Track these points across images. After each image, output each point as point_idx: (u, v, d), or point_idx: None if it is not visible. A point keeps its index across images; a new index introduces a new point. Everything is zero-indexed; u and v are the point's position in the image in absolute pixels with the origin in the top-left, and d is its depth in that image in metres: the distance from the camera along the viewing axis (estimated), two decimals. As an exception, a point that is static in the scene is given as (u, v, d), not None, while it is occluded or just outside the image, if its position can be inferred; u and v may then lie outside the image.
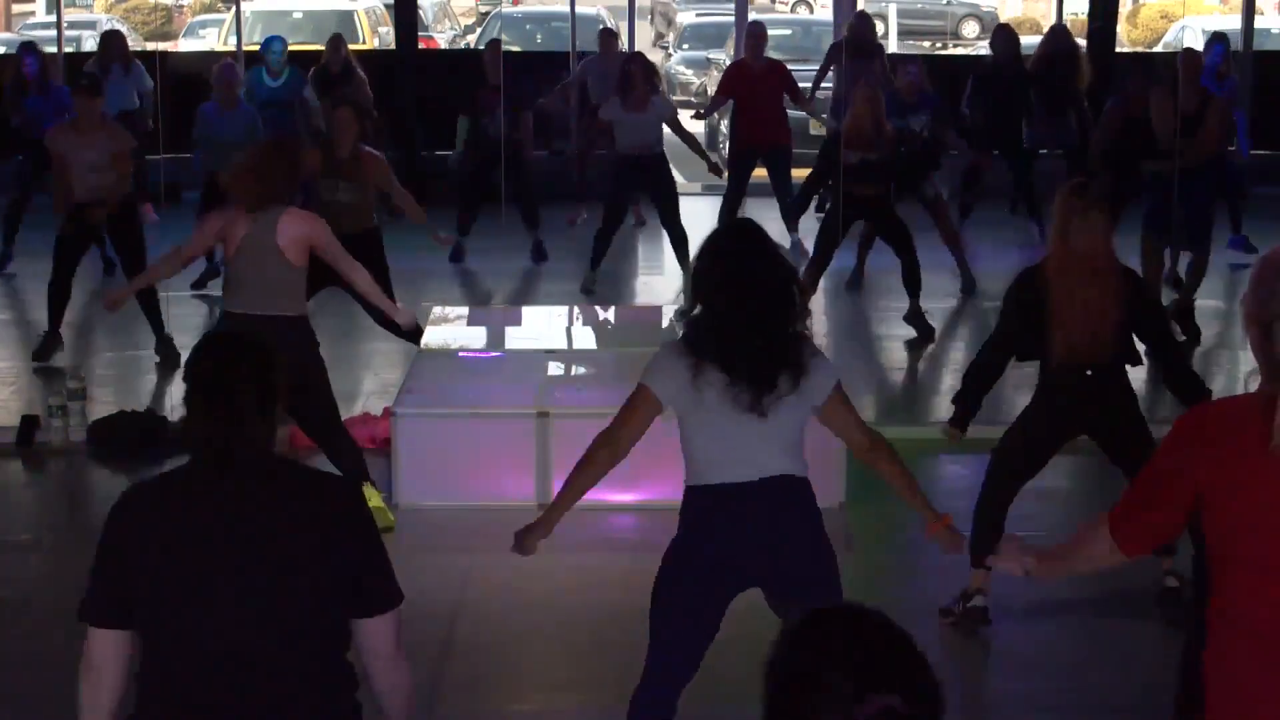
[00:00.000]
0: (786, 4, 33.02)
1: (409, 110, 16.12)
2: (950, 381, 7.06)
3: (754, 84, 13.41)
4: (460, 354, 9.43)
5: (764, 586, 4.82)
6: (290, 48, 14.98)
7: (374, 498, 7.49)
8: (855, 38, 14.08)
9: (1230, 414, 3.47)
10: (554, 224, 14.01)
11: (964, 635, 6.57)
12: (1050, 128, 14.06)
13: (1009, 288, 6.72)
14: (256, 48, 15.63)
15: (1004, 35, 14.10)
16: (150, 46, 23.17)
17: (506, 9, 29.13)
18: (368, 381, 10.23)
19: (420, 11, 20.54)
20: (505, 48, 15.19)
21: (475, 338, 10.14)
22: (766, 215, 12.47)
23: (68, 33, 19.70)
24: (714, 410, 4.71)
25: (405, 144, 15.61)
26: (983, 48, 19.98)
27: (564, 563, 7.30)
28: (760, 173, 13.55)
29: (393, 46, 19.03)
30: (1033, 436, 6.65)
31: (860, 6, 17.59)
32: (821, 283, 12.01)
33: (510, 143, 13.26)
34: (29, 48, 14.08)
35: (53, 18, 20.20)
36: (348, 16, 23.52)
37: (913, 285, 11.16)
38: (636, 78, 12.41)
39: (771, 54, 14.50)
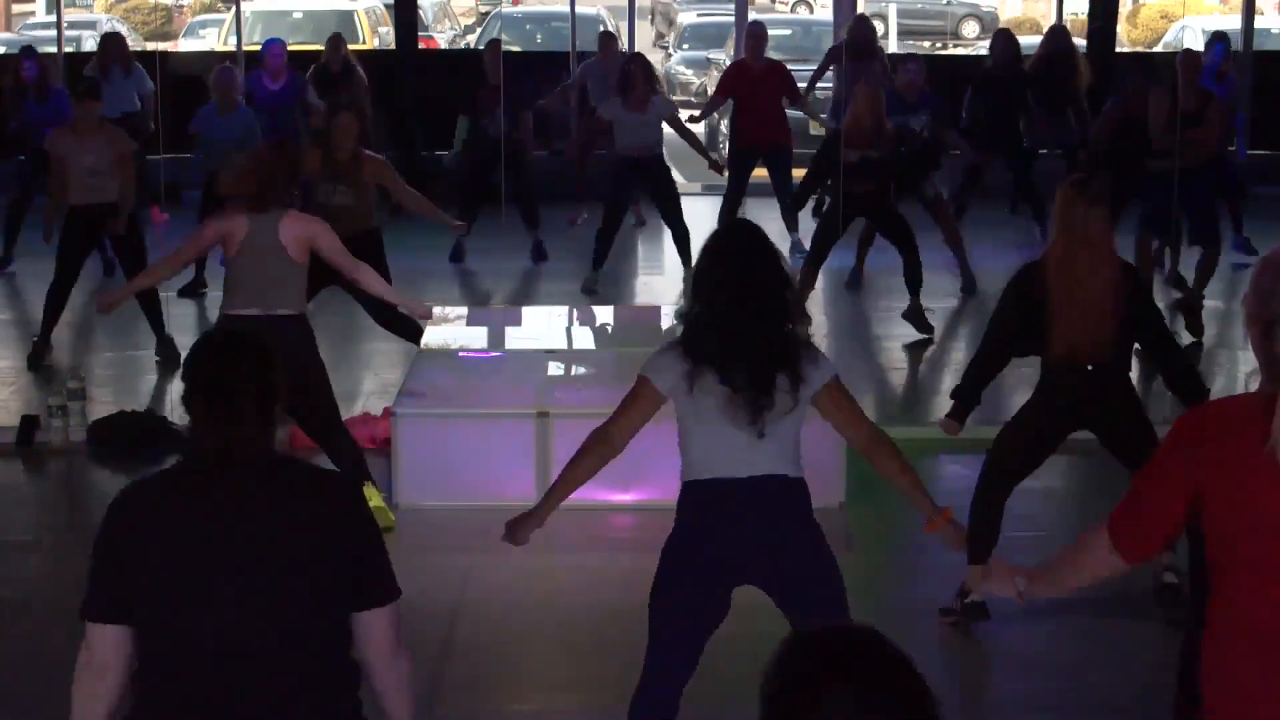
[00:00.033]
0: (786, 4, 33.02)
1: (409, 110, 16.12)
2: (950, 381, 7.06)
3: (754, 84, 13.42)
4: (460, 354, 9.43)
5: (765, 587, 4.83)
6: (290, 48, 14.96)
7: (374, 497, 7.49)
8: (855, 41, 14.08)
9: (1230, 414, 3.46)
10: (554, 224, 14.02)
11: (964, 634, 6.57)
12: (1050, 128, 14.07)
13: (1009, 282, 6.71)
14: (257, 48, 15.62)
15: (1003, 40, 14.09)
16: (150, 46, 23.18)
17: (506, 9, 29.13)
18: (368, 381, 10.23)
19: (420, 11, 20.54)
20: (505, 48, 15.19)
21: (475, 338, 10.14)
22: (766, 215, 12.49)
23: (68, 33, 19.70)
24: (710, 419, 4.72)
25: (405, 144, 15.61)
26: (983, 48, 19.97)
27: (564, 563, 7.31)
28: (760, 173, 13.56)
29: (393, 46, 19.04)
30: (1031, 435, 6.64)
31: (860, 7, 17.60)
32: (821, 282, 12.02)
33: (510, 142, 13.26)
34: (28, 52, 14.08)
35: (53, 18, 20.21)
36: (348, 16, 23.51)
37: (914, 282, 11.16)
38: (636, 78, 12.42)
39: (771, 54, 14.51)
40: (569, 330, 10.51)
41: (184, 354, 3.87)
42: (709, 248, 4.88)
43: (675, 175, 13.07)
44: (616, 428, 4.86)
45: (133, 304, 9.54)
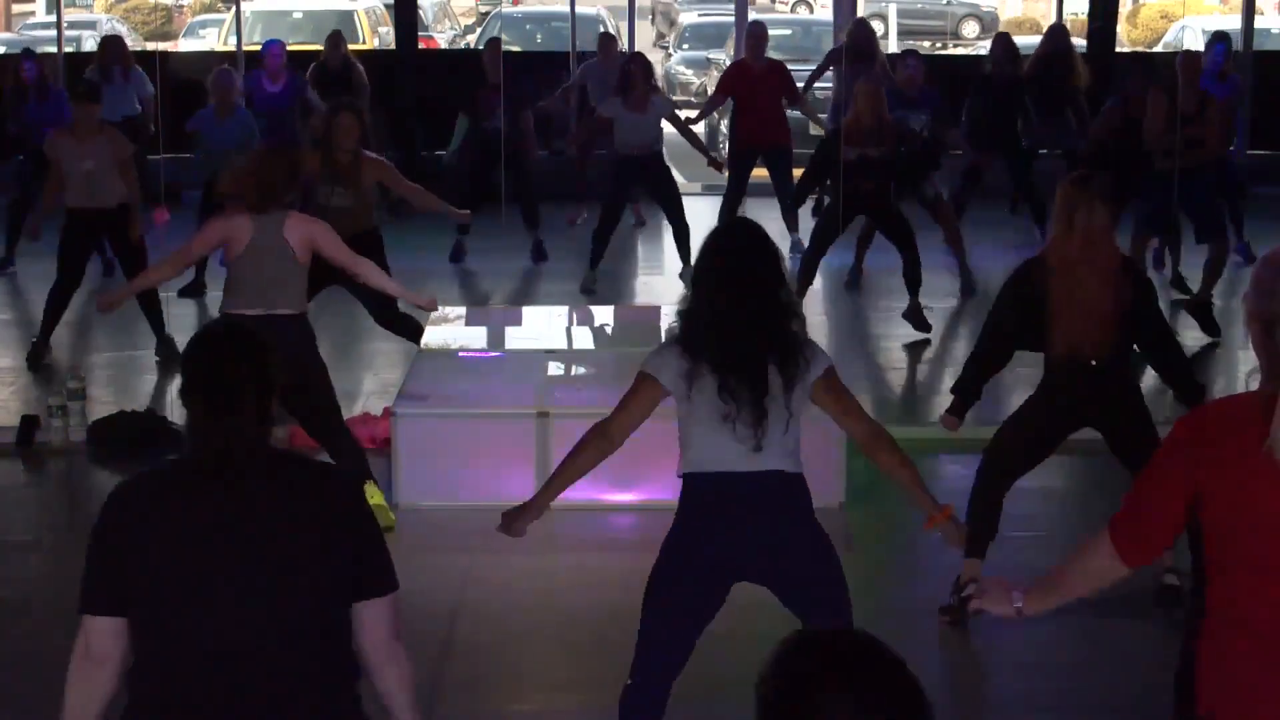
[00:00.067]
0: (786, 4, 33.03)
1: (409, 110, 16.12)
2: (950, 381, 7.05)
3: (754, 84, 13.43)
4: (460, 354, 9.43)
5: (765, 584, 4.83)
6: (290, 48, 14.95)
7: (375, 496, 7.50)
8: (854, 44, 14.08)
9: (1230, 414, 3.46)
10: (554, 224, 14.02)
11: (964, 634, 6.57)
12: (1049, 128, 14.07)
13: (1008, 278, 6.71)
14: (257, 48, 15.62)
15: (1003, 43, 14.07)
16: (150, 46, 23.18)
17: (506, 9, 29.14)
18: (368, 381, 10.24)
19: (420, 11, 20.54)
20: (505, 48, 15.19)
21: (475, 338, 10.14)
22: (766, 215, 12.48)
23: (68, 33, 19.70)
24: (709, 416, 4.73)
25: (405, 144, 15.61)
26: (983, 48, 19.96)
27: (564, 563, 7.31)
28: (760, 172, 13.56)
29: (393, 46, 19.04)
30: (1030, 435, 6.64)
31: (860, 7, 17.60)
32: (820, 281, 12.02)
33: (510, 142, 13.27)
34: (28, 53, 14.08)
35: (53, 18, 20.21)
36: (348, 16, 23.51)
37: (913, 282, 11.16)
38: (636, 78, 12.44)
39: (771, 54, 14.51)
40: (569, 330, 10.51)
41: (184, 354, 3.86)
42: (709, 246, 4.88)
43: (675, 175, 13.08)
44: (616, 424, 4.86)
45: (133, 304, 9.55)
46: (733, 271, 4.75)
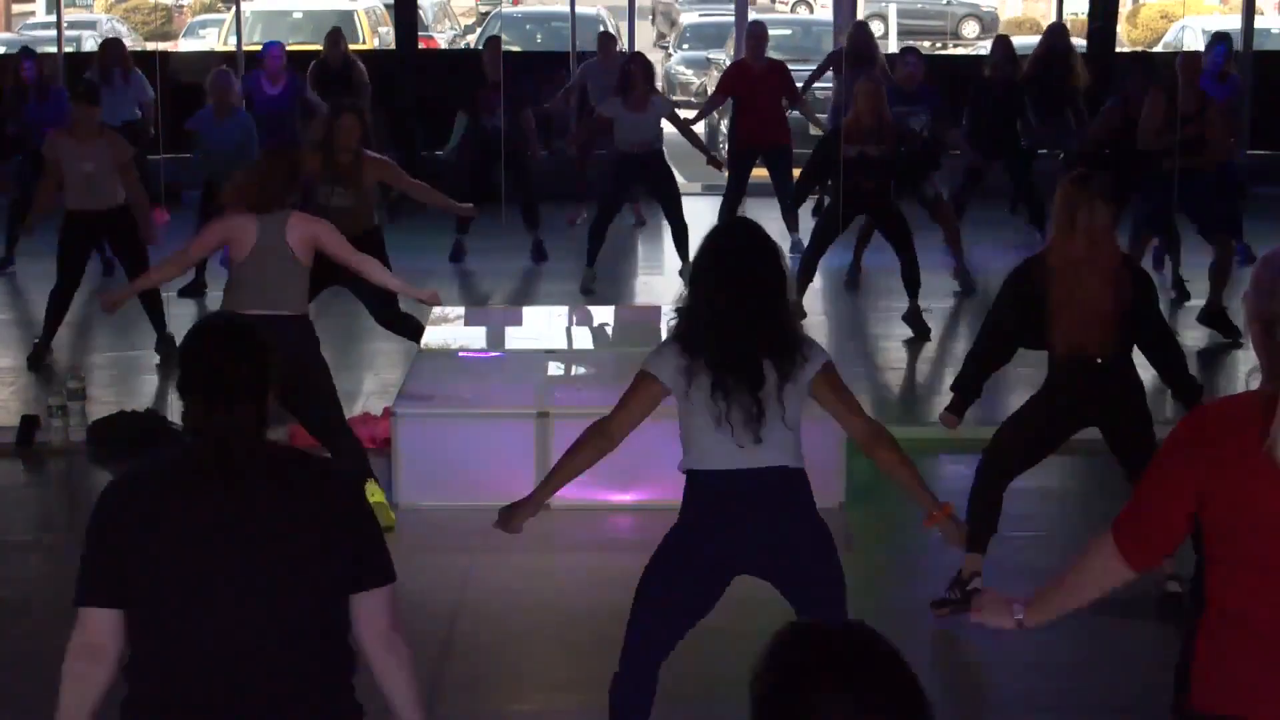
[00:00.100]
0: (786, 4, 33.03)
1: (409, 110, 16.11)
2: (950, 380, 7.05)
3: (754, 84, 13.43)
4: (460, 354, 9.43)
5: (764, 577, 4.83)
6: (290, 48, 14.94)
7: (376, 494, 7.51)
8: (854, 47, 14.08)
9: (1230, 414, 3.46)
10: (554, 224, 14.02)
11: (964, 634, 6.56)
12: (1048, 128, 14.06)
13: (1008, 277, 6.70)
14: (257, 48, 15.61)
15: (1002, 46, 14.06)
16: (150, 46, 23.17)
17: (506, 9, 29.14)
18: (368, 381, 10.24)
19: (420, 11, 20.54)
20: (505, 47, 15.18)
21: (475, 338, 10.14)
22: (766, 215, 12.47)
23: (68, 33, 19.69)
24: (709, 414, 4.73)
25: (405, 144, 15.60)
26: (983, 48, 19.97)
27: (564, 563, 7.31)
28: (760, 172, 13.56)
29: (393, 46, 19.04)
30: (1030, 435, 6.63)
31: (861, 7, 17.60)
32: (820, 281, 12.02)
33: (510, 141, 13.27)
34: (27, 52, 14.06)
35: (53, 18, 20.20)
36: (348, 16, 23.51)
37: (912, 284, 11.15)
38: (636, 77, 12.44)
39: (771, 54, 14.52)
40: (569, 330, 10.51)
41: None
42: (708, 245, 4.87)
43: (675, 175, 13.08)
44: (615, 422, 4.86)
45: (133, 303, 9.55)
46: (732, 271, 4.75)
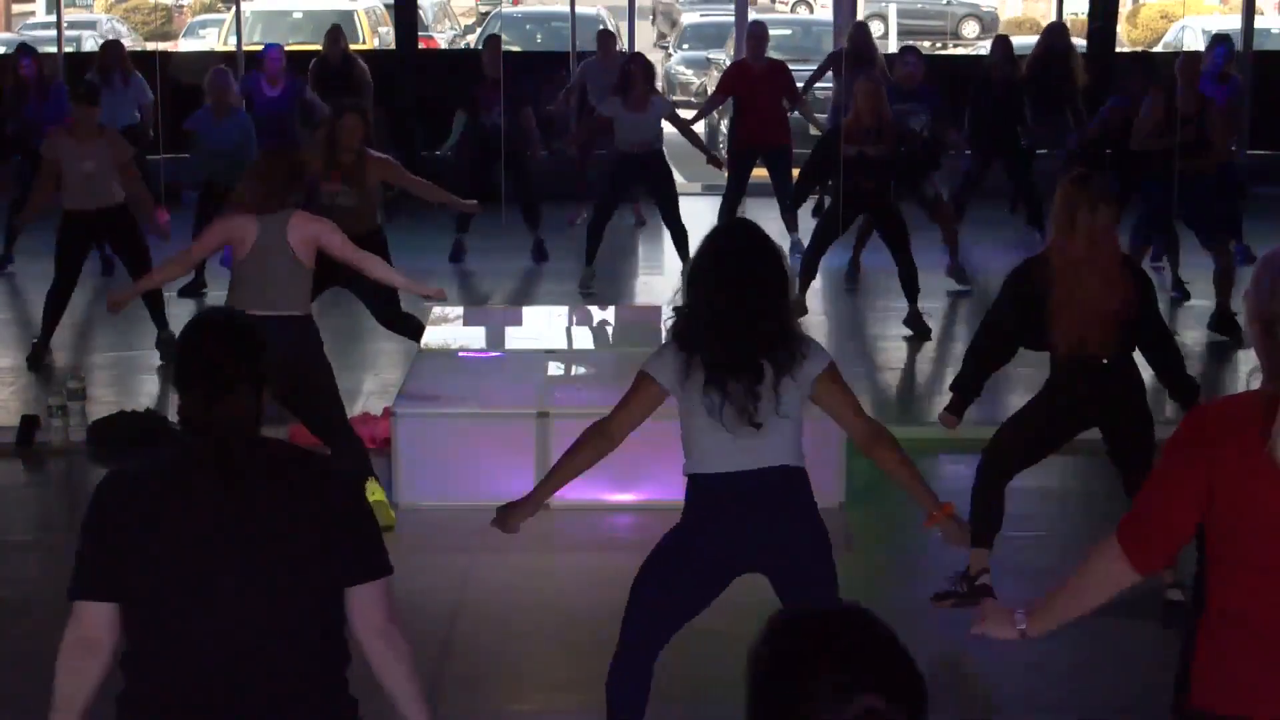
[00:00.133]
0: (786, 4, 33.03)
1: (409, 110, 16.12)
2: (949, 381, 7.05)
3: (754, 84, 13.43)
4: (460, 354, 9.43)
5: (762, 572, 4.84)
6: (290, 48, 14.93)
7: (377, 493, 7.51)
8: (854, 49, 14.09)
9: (1231, 414, 3.46)
10: (554, 224, 14.02)
11: (964, 634, 6.54)
12: (1047, 128, 14.06)
13: (1008, 277, 6.69)
14: (258, 48, 15.61)
15: (1002, 48, 14.07)
16: (150, 46, 23.18)
17: (506, 9, 29.14)
18: (368, 381, 10.24)
19: (420, 11, 20.54)
20: (505, 47, 15.18)
21: (475, 338, 10.14)
22: (766, 215, 12.48)
23: (68, 33, 19.70)
24: (709, 414, 4.73)
25: (405, 144, 15.60)
26: (983, 48, 19.97)
27: (564, 563, 7.31)
28: (760, 172, 13.56)
29: (393, 46, 19.04)
30: (1030, 435, 6.63)
31: (861, 7, 17.60)
32: (820, 282, 12.02)
33: (510, 141, 13.26)
34: (25, 50, 14.05)
35: (53, 18, 20.20)
36: (348, 16, 23.50)
37: (910, 288, 11.13)
38: (636, 77, 12.43)
39: (772, 54, 14.52)
40: (569, 330, 10.51)
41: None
42: (708, 246, 4.87)
43: (675, 175, 13.07)
44: (615, 423, 4.86)
45: (134, 302, 9.54)
46: (732, 271, 4.74)
